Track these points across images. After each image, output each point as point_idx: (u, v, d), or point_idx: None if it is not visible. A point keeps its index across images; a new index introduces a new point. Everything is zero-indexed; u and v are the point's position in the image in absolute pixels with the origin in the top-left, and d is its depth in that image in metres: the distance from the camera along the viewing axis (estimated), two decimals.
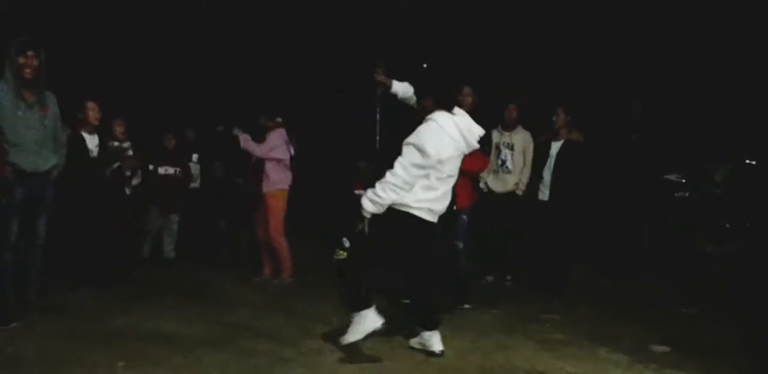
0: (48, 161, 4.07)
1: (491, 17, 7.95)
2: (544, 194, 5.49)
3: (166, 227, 6.45)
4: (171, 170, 6.41)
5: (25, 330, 3.74)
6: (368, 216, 3.36)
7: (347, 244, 3.46)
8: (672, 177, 6.60)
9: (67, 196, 4.40)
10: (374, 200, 3.31)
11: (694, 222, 6.43)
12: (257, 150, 5.42)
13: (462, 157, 3.52)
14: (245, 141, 5.38)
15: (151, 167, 6.32)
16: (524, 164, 5.62)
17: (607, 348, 3.74)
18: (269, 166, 5.44)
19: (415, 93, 3.71)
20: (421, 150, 3.27)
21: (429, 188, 3.37)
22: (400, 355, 3.53)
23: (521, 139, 5.64)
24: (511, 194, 5.63)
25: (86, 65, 7.06)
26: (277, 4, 8.41)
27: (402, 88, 3.74)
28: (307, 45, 8.64)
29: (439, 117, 3.38)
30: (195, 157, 7.12)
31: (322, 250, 6.46)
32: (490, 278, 5.74)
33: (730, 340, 4.04)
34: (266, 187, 5.44)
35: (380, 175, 3.40)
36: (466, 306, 4.67)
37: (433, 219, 3.47)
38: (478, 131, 3.49)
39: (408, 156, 3.30)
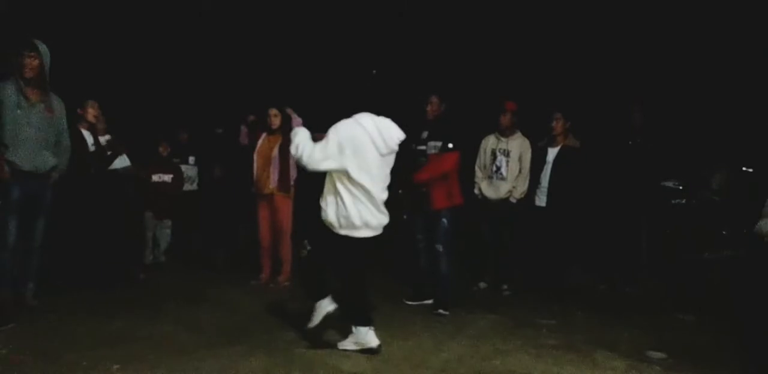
0: (47, 162, 4.07)
1: (489, 21, 7.96)
2: (541, 200, 5.48)
3: (160, 232, 6.46)
4: (165, 177, 6.43)
5: (22, 332, 3.73)
6: None
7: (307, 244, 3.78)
8: (669, 184, 6.60)
9: (70, 193, 4.42)
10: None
11: (691, 229, 6.43)
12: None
13: (382, 159, 3.58)
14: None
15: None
16: (520, 171, 5.46)
17: (603, 354, 3.75)
18: (291, 164, 5.34)
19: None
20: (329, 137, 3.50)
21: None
22: (398, 359, 3.54)
23: (518, 145, 5.48)
24: (505, 201, 5.44)
25: (80, 64, 7.01)
26: (270, 6, 8.40)
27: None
28: (297, 47, 8.62)
29: (359, 115, 3.61)
30: (192, 159, 7.08)
31: None
32: (483, 285, 5.66)
33: (727, 347, 4.04)
34: (286, 186, 5.41)
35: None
36: (441, 311, 4.59)
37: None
38: (398, 134, 3.62)
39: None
